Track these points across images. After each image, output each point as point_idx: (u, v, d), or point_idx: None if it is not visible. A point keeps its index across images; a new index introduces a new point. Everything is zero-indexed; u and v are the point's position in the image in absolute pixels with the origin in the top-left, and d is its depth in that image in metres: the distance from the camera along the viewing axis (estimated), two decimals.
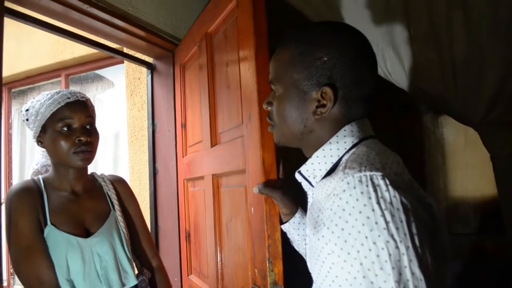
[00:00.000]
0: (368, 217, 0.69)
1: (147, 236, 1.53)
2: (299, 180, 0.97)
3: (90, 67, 3.50)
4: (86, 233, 1.31)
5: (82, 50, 3.30)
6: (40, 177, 1.36)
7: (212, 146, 1.70)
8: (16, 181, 4.12)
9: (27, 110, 1.34)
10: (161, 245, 2.34)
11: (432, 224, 0.75)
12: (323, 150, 0.90)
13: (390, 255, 0.67)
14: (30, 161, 4.11)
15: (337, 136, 0.89)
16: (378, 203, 0.69)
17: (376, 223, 0.68)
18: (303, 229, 1.18)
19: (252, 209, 1.31)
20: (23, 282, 1.20)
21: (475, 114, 1.69)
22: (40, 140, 1.35)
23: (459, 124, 1.92)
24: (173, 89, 2.27)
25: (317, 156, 0.91)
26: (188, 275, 2.11)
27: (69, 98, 1.31)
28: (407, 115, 3.25)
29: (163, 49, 2.25)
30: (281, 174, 1.27)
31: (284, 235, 1.24)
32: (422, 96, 1.88)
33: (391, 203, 0.69)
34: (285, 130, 0.95)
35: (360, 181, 0.72)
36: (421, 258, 0.67)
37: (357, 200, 0.71)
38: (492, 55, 1.58)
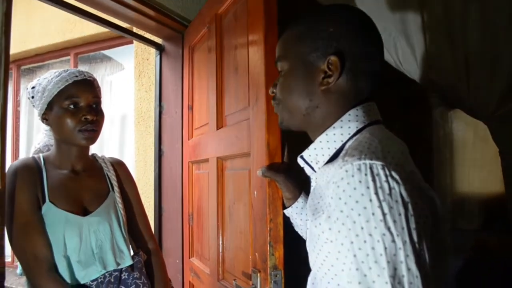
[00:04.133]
0: (365, 208, 0.67)
1: (144, 219, 1.54)
2: (302, 165, 0.96)
3: (99, 47, 3.50)
4: (84, 212, 1.32)
5: (91, 29, 3.30)
6: (41, 155, 1.37)
7: (218, 128, 1.69)
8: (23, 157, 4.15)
9: (33, 87, 1.35)
10: (164, 227, 2.34)
11: (432, 218, 0.73)
12: (326, 135, 0.88)
13: (385, 248, 0.65)
14: None
15: (341, 120, 0.87)
16: (376, 193, 0.67)
17: (373, 214, 0.66)
18: (306, 214, 1.17)
19: (255, 192, 1.30)
20: (19, 258, 1.21)
21: (486, 108, 1.66)
22: (45, 118, 1.35)
23: (468, 119, 1.90)
24: (181, 71, 2.26)
25: (320, 141, 0.89)
26: (189, 258, 2.12)
27: (77, 76, 1.31)
28: (416, 108, 3.21)
29: (172, 30, 2.23)
30: (286, 158, 1.26)
31: (286, 220, 1.23)
32: (433, 88, 1.85)
33: (389, 194, 0.67)
34: (289, 105, 0.92)
35: (359, 169, 0.69)
36: (419, 254, 0.65)
37: (354, 189, 0.68)
38: (507, 48, 1.54)
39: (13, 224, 1.20)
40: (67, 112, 1.28)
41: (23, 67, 4.14)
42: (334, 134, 0.87)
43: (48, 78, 1.32)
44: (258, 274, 1.24)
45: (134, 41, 2.78)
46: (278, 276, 1.19)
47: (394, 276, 0.64)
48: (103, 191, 1.41)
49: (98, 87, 1.40)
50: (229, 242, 1.60)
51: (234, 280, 1.46)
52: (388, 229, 0.65)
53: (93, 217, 1.31)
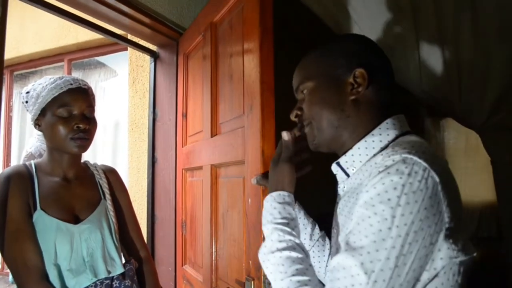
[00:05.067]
0: (386, 191, 0.71)
1: (136, 228, 1.53)
2: (335, 172, 0.98)
3: (93, 53, 3.49)
4: (75, 220, 1.31)
5: (85, 35, 3.29)
6: (32, 162, 1.36)
7: (212, 136, 1.69)
8: (15, 164, 4.12)
9: (27, 92, 1.34)
10: (157, 234, 2.33)
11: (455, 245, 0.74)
12: (365, 141, 0.90)
13: (380, 231, 0.70)
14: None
15: (380, 128, 0.90)
16: (404, 185, 0.70)
17: (388, 199, 0.71)
18: (299, 224, 1.17)
19: (250, 200, 1.30)
20: (9, 266, 1.20)
21: (478, 118, 1.68)
22: (38, 123, 1.34)
23: (460, 128, 1.92)
24: (176, 78, 2.26)
25: (359, 148, 0.91)
26: (182, 265, 2.10)
27: (71, 84, 1.31)
28: (409, 117, 3.23)
29: (167, 37, 2.24)
30: None
31: None
32: (426, 97, 1.87)
33: (414, 192, 0.70)
34: (322, 119, 0.94)
35: (404, 160, 0.73)
36: (403, 253, 0.69)
37: (388, 173, 0.72)
38: (498, 59, 1.57)
39: (4, 232, 1.19)
40: (59, 119, 1.28)
41: (16, 73, 4.12)
42: (373, 141, 0.90)
43: (43, 84, 1.31)
44: (252, 282, 1.24)
45: (129, 48, 2.78)
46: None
47: (371, 253, 0.69)
48: (94, 199, 1.40)
49: (93, 95, 1.40)
50: (222, 250, 1.59)
51: None
52: (393, 217, 0.69)
53: (84, 225, 1.30)
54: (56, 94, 1.28)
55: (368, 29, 1.74)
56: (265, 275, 1.18)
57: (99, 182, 1.46)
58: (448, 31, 1.63)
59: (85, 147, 1.33)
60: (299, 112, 1.00)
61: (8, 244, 1.19)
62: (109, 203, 1.42)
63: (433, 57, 1.70)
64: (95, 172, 1.48)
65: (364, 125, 0.92)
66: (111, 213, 1.41)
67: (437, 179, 0.71)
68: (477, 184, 2.86)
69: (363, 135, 0.91)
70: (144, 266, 1.48)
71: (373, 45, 0.96)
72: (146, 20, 2.03)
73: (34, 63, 3.88)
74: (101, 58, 3.61)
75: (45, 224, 1.23)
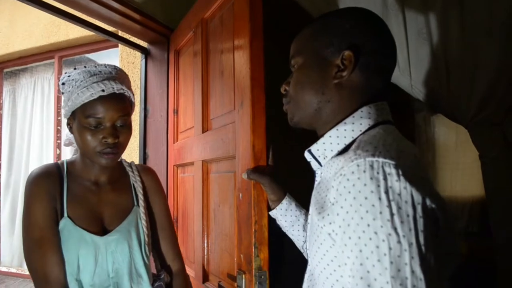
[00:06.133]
0: (373, 205, 0.66)
1: (170, 236, 1.41)
2: (308, 159, 0.94)
3: (84, 50, 3.48)
4: (102, 230, 1.21)
5: (76, 32, 3.28)
6: (65, 161, 1.27)
7: (203, 132, 1.70)
8: (4, 162, 4.09)
9: (63, 84, 1.22)
10: None
11: (444, 223, 0.72)
12: (337, 130, 0.87)
13: (390, 249, 0.64)
14: (20, 142, 4.08)
15: (353, 116, 0.86)
16: (386, 192, 0.66)
17: (380, 213, 0.66)
18: (290, 216, 1.19)
19: (241, 195, 1.31)
20: (30, 273, 1.13)
21: (467, 113, 1.70)
22: (69, 124, 1.24)
23: (450, 124, 1.93)
24: (167, 74, 2.26)
25: (330, 136, 0.88)
26: None
27: (103, 91, 1.15)
28: (399, 113, 3.25)
29: (158, 34, 2.24)
30: (271, 161, 1.27)
31: (270, 221, 1.24)
32: (414, 93, 1.88)
33: (399, 194, 0.66)
34: (301, 100, 0.92)
35: (372, 166, 0.69)
36: (424, 257, 0.64)
37: (365, 185, 0.68)
38: (485, 54, 1.58)
39: (28, 237, 1.13)
40: (87, 130, 1.16)
41: (6, 70, 4.09)
42: (345, 130, 0.86)
43: (76, 81, 1.18)
44: (243, 276, 1.25)
45: (119, 45, 2.77)
46: (263, 277, 1.20)
47: (396, 277, 0.63)
48: (126, 206, 1.29)
49: (129, 98, 1.26)
50: (214, 245, 1.60)
51: (219, 282, 1.46)
52: (395, 229, 0.64)
53: (111, 236, 1.20)
54: (86, 101, 1.15)
55: None
56: (256, 269, 1.20)
57: (133, 185, 1.35)
58: (436, 27, 1.64)
59: (113, 161, 1.22)
60: (287, 88, 0.98)
61: (31, 252, 1.12)
62: (142, 210, 1.31)
63: (421, 52, 1.72)
64: (130, 173, 1.37)
65: (344, 111, 0.88)
66: (143, 222, 1.29)
67: (408, 177, 0.68)
68: (467, 180, 2.89)
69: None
70: (175, 280, 1.38)
71: (373, 22, 0.89)
72: (136, 16, 2.03)
73: (24, 60, 3.86)
74: (92, 55, 3.60)
75: (70, 234, 1.15)
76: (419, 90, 1.81)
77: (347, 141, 0.85)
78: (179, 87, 2.14)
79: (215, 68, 1.63)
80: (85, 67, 1.21)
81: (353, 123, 0.86)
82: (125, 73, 1.29)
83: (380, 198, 0.66)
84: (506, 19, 1.52)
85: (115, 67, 1.25)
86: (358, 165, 0.70)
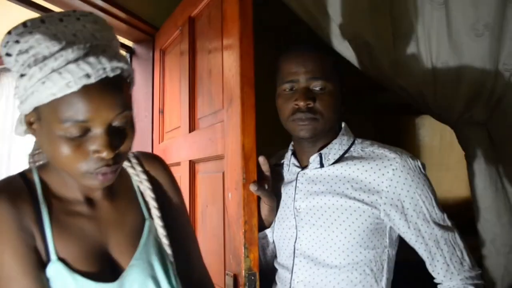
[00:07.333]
0: (421, 178, 1.17)
1: (195, 247, 1.05)
2: (311, 161, 1.22)
3: None
4: (112, 271, 0.82)
5: None
6: (35, 170, 0.84)
7: (190, 131, 1.67)
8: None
9: (8, 54, 0.74)
10: None
11: None
12: (340, 139, 1.22)
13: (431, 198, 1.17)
14: (0, 146, 3.97)
15: (345, 129, 1.25)
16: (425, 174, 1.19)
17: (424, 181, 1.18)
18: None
19: (230, 194, 1.29)
20: None
21: (453, 113, 1.71)
22: (30, 122, 0.77)
23: (435, 126, 1.95)
24: (152, 74, 2.23)
25: (335, 143, 1.22)
26: None
27: (88, 76, 0.67)
28: (384, 116, 3.28)
29: (143, 33, 2.20)
30: (266, 171, 1.26)
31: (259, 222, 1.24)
32: (402, 94, 1.89)
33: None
34: (330, 120, 1.19)
35: (412, 157, 1.18)
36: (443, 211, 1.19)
37: (414, 170, 1.16)
38: (471, 55, 1.60)
39: None
40: (65, 142, 0.71)
41: None
42: (343, 140, 1.23)
43: (36, 53, 0.69)
44: (232, 277, 1.23)
45: None
46: (253, 278, 1.18)
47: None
48: (135, 223, 0.89)
49: (131, 79, 0.84)
50: (201, 247, 1.57)
51: None
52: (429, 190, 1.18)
53: (128, 277, 0.80)
54: (59, 95, 0.68)
55: (345, 25, 1.75)
56: (246, 270, 1.18)
57: (138, 188, 0.95)
58: (422, 27, 1.65)
59: (110, 181, 0.78)
60: (313, 104, 1.16)
61: None
62: (158, 223, 0.91)
63: (408, 53, 1.72)
64: (131, 171, 0.95)
65: (335, 126, 1.25)
66: (164, 240, 0.91)
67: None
68: (451, 180, 2.92)
69: (335, 134, 1.24)
70: None
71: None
72: (121, 15, 1.99)
73: None
74: None
75: (66, 285, 0.75)
76: (406, 91, 1.82)
77: (345, 148, 1.22)
78: (164, 87, 2.11)
79: (203, 67, 1.61)
80: (43, 21, 0.72)
81: (346, 135, 1.25)
82: (110, 26, 0.85)
83: (426, 179, 1.21)
84: (491, 20, 1.54)
85: (95, 20, 0.78)
86: (399, 154, 1.19)
